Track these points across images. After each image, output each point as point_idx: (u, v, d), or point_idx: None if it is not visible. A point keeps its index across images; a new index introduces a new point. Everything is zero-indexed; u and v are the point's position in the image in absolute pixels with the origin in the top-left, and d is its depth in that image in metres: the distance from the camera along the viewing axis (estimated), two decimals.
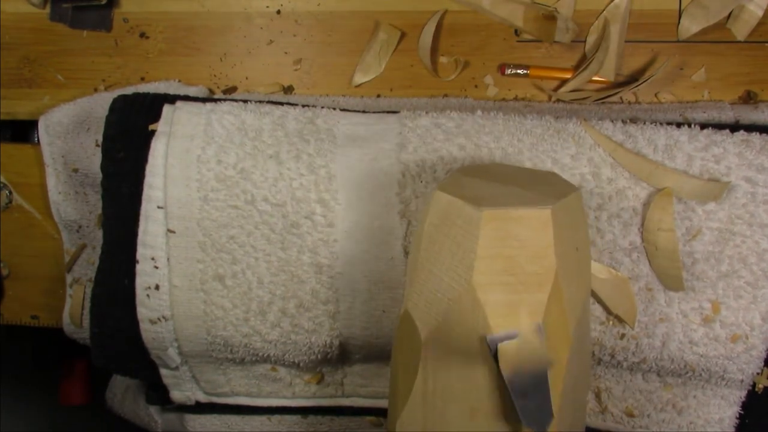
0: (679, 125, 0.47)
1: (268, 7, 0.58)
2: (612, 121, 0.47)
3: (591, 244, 0.46)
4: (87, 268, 0.60)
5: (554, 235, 0.34)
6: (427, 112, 0.49)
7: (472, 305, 0.34)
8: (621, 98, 0.55)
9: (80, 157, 0.57)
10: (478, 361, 0.35)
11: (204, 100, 0.51)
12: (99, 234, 0.57)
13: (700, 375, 0.47)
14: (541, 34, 0.54)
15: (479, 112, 0.48)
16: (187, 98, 0.51)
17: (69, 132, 0.57)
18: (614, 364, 0.48)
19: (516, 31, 0.55)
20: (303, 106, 0.50)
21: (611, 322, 0.47)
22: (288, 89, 0.58)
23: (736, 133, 0.46)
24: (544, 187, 0.37)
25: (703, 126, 0.47)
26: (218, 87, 0.58)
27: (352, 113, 0.50)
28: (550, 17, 0.52)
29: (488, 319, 0.34)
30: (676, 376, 0.49)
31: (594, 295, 0.46)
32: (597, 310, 0.47)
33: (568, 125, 0.47)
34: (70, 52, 0.60)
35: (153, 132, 0.48)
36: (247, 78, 0.58)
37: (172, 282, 0.48)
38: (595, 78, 0.54)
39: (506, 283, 0.34)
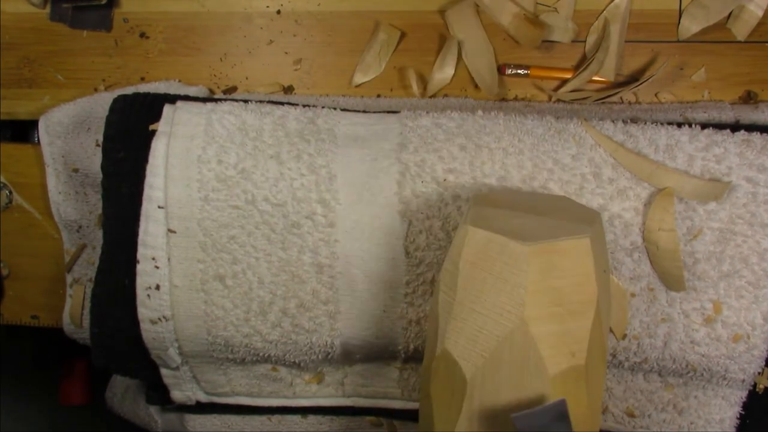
0: (679, 125, 0.47)
1: (268, 7, 0.58)
2: (613, 121, 0.47)
3: None
4: (87, 268, 0.60)
5: (594, 261, 0.35)
6: (427, 112, 0.49)
7: (523, 340, 0.34)
8: (621, 98, 0.55)
9: (80, 157, 0.57)
10: (530, 395, 0.35)
11: (204, 100, 0.51)
12: (99, 234, 0.57)
13: (702, 375, 0.47)
14: (524, 38, 0.54)
15: (480, 112, 0.48)
16: (187, 98, 0.51)
17: (69, 132, 0.57)
18: (615, 364, 0.48)
19: None
20: (303, 106, 0.50)
21: None
22: (288, 89, 0.58)
23: (736, 133, 0.46)
24: (569, 214, 0.38)
25: (704, 126, 0.47)
26: (218, 87, 0.58)
27: (352, 113, 0.50)
28: (536, 22, 0.52)
29: (540, 351, 0.34)
30: (677, 376, 0.49)
31: None
32: None
33: (568, 125, 0.47)
34: (70, 52, 0.59)
35: (153, 132, 0.48)
36: (247, 78, 0.58)
37: (173, 282, 0.48)
38: (596, 78, 0.54)
39: (555, 314, 0.34)
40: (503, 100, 0.56)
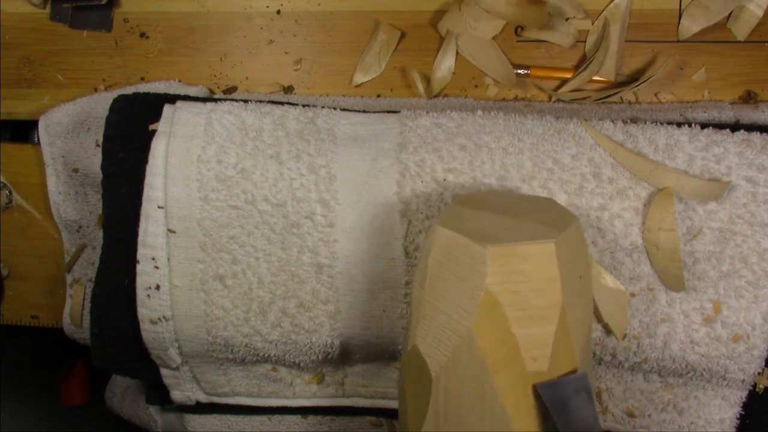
0: (679, 125, 0.47)
1: (268, 7, 0.58)
2: (612, 121, 0.47)
3: (592, 245, 0.46)
4: (87, 268, 0.60)
5: (559, 267, 0.34)
6: (427, 112, 0.49)
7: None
8: (621, 98, 0.55)
9: (80, 157, 0.57)
10: (488, 397, 0.35)
11: (204, 99, 0.51)
12: (99, 234, 0.57)
13: (702, 375, 0.47)
14: (529, 19, 0.53)
15: (480, 112, 0.48)
16: (187, 98, 0.51)
17: (69, 132, 0.57)
18: (615, 364, 0.48)
19: (516, 30, 0.55)
20: (303, 106, 0.50)
21: None
22: (288, 89, 0.58)
23: (736, 133, 0.46)
24: (544, 216, 0.37)
25: (704, 126, 0.47)
26: (218, 87, 0.58)
27: (352, 113, 0.50)
28: (536, 1, 0.51)
29: (485, 360, 0.34)
30: (677, 376, 0.49)
31: None
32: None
33: (568, 125, 0.47)
34: (70, 52, 0.59)
35: (153, 132, 0.48)
36: (247, 78, 0.58)
37: (173, 282, 0.48)
38: (596, 78, 0.54)
39: (515, 318, 0.34)
40: (503, 100, 0.56)
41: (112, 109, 0.50)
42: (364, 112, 0.51)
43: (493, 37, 0.55)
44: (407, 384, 0.40)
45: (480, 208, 0.39)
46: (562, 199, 0.46)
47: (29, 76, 0.60)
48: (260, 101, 0.50)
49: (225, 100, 0.51)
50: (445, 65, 0.55)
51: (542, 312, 0.34)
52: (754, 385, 0.49)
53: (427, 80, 0.56)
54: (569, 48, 0.55)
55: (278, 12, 0.58)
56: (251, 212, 0.47)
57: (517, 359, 0.34)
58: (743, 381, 0.48)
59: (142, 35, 0.59)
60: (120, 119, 0.50)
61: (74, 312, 0.59)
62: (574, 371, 0.35)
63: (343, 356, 0.51)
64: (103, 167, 0.50)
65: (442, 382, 0.37)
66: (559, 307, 0.34)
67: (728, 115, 0.52)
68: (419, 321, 0.37)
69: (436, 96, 0.56)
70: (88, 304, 0.57)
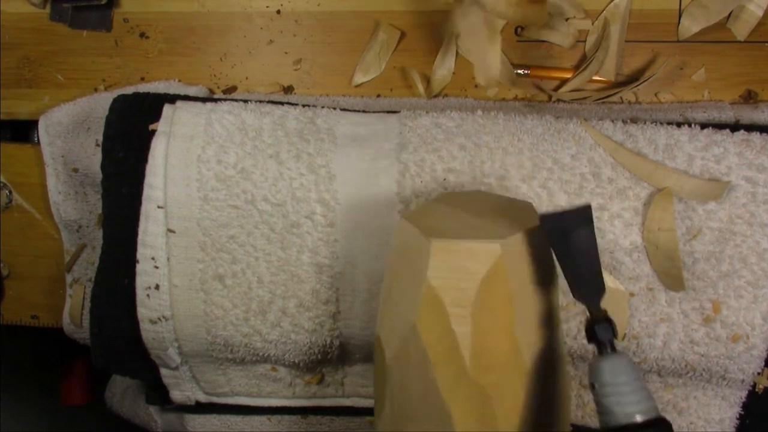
0: (679, 125, 0.47)
1: (268, 7, 0.58)
2: (612, 121, 0.47)
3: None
4: (87, 268, 0.60)
5: (507, 269, 0.34)
6: (427, 112, 0.49)
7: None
8: (621, 98, 0.55)
9: (80, 157, 0.57)
10: (431, 390, 0.35)
11: (204, 99, 0.51)
12: (99, 234, 0.57)
13: (701, 375, 0.47)
14: (529, 18, 0.53)
15: (479, 112, 0.48)
16: (187, 98, 0.51)
17: (69, 132, 0.57)
18: None
19: (516, 30, 0.55)
20: (303, 106, 0.50)
21: None
22: (288, 89, 0.58)
23: (736, 133, 0.46)
24: (509, 219, 0.37)
25: (704, 126, 0.47)
26: (218, 87, 0.58)
27: (352, 113, 0.50)
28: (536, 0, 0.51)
29: (427, 353, 0.34)
30: (676, 376, 0.49)
31: None
32: None
33: (568, 125, 0.47)
34: (70, 52, 0.60)
35: (153, 132, 0.48)
36: (247, 78, 0.58)
37: (172, 282, 0.48)
38: (596, 78, 0.54)
39: (455, 315, 0.34)
40: (503, 100, 0.56)
41: (112, 109, 0.50)
42: (364, 112, 0.51)
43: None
44: (376, 369, 0.40)
45: (452, 205, 0.39)
46: (561, 199, 0.46)
47: (29, 76, 0.60)
48: (260, 101, 0.50)
49: (225, 100, 0.51)
50: (445, 65, 0.55)
51: (483, 312, 0.34)
52: (754, 385, 0.49)
53: (427, 80, 0.56)
54: (569, 48, 0.55)
55: (278, 12, 0.58)
56: (251, 212, 0.47)
57: (456, 356, 0.34)
58: (743, 381, 0.48)
59: (142, 35, 0.59)
60: (120, 119, 0.50)
61: (74, 312, 0.59)
62: (526, 376, 0.35)
63: (343, 356, 0.51)
64: (103, 167, 0.50)
65: (395, 371, 0.37)
66: (503, 308, 0.34)
67: (728, 115, 0.52)
68: (382, 309, 0.38)
69: (436, 96, 0.56)
70: (88, 304, 0.57)
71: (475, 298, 0.34)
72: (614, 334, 0.33)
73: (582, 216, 0.34)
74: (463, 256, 0.34)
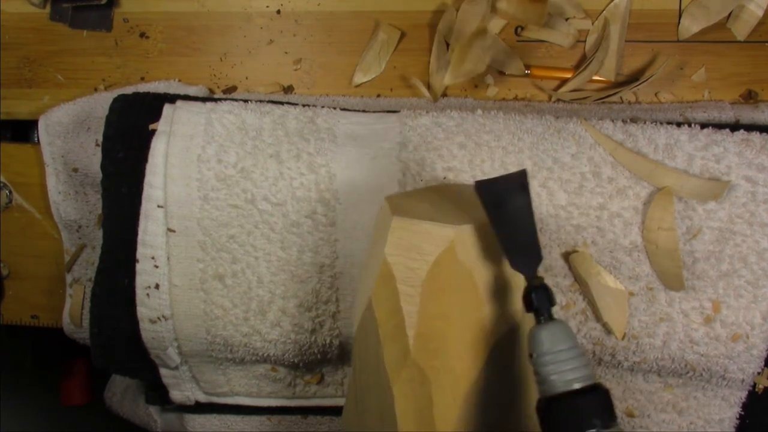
0: (679, 125, 0.47)
1: (268, 7, 0.58)
2: (612, 121, 0.47)
3: (593, 244, 0.46)
4: (87, 268, 0.60)
5: (459, 254, 0.34)
6: (427, 112, 0.49)
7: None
8: (621, 98, 0.55)
9: (80, 157, 0.57)
10: (380, 367, 0.35)
11: (204, 99, 0.51)
12: (99, 234, 0.57)
13: (701, 375, 0.47)
14: (530, 17, 0.53)
15: (479, 112, 0.49)
16: (187, 98, 0.51)
17: (69, 132, 0.57)
18: (614, 364, 0.48)
19: (516, 30, 0.55)
20: (303, 105, 0.50)
21: None
22: (288, 89, 0.58)
23: (736, 133, 0.46)
24: (478, 211, 0.37)
25: (704, 125, 0.47)
26: (218, 87, 0.59)
27: (352, 113, 0.50)
28: None
29: (378, 328, 0.35)
30: (676, 376, 0.49)
31: (589, 297, 0.46)
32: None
33: (568, 124, 0.47)
34: (70, 52, 0.60)
35: (153, 131, 0.48)
36: (247, 78, 0.58)
37: (172, 281, 0.48)
38: (596, 78, 0.54)
39: (405, 294, 0.34)
40: (503, 99, 0.56)
41: (112, 108, 0.50)
42: (364, 111, 0.51)
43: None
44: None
45: (436, 192, 0.39)
46: (561, 198, 0.46)
47: (29, 76, 0.60)
48: (260, 101, 0.50)
49: (225, 99, 0.51)
50: (440, 67, 0.55)
51: (432, 295, 0.34)
52: (754, 385, 0.49)
53: (427, 84, 0.56)
54: (569, 48, 0.55)
55: (278, 12, 0.58)
56: (251, 211, 0.47)
57: (402, 335, 0.34)
58: (743, 381, 0.48)
59: (142, 35, 0.59)
60: (120, 119, 0.50)
61: (74, 312, 0.59)
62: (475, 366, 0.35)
63: (343, 356, 0.51)
64: (103, 167, 0.50)
65: (357, 344, 0.37)
66: (451, 294, 0.34)
67: (728, 115, 0.52)
68: (359, 285, 0.39)
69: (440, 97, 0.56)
70: (87, 304, 0.57)
71: (425, 278, 0.34)
72: (551, 301, 0.33)
73: (517, 182, 0.34)
74: (418, 237, 0.34)
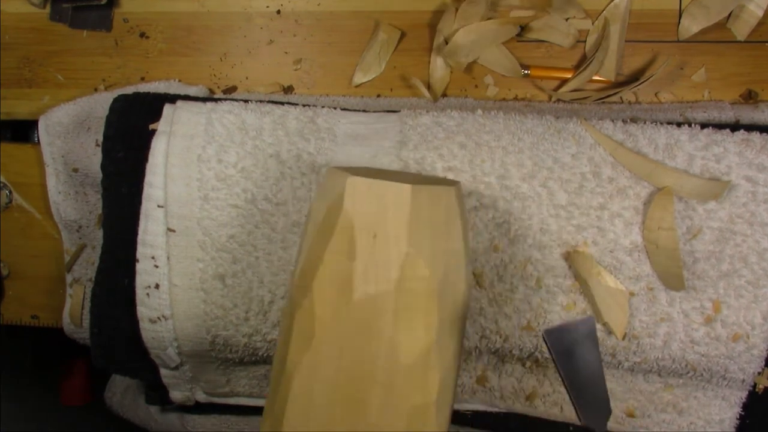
0: (679, 125, 0.47)
1: (268, 7, 0.58)
2: (612, 121, 0.47)
3: (593, 244, 0.46)
4: (87, 268, 0.60)
5: (346, 205, 0.35)
6: (427, 111, 0.49)
7: None
8: (621, 98, 0.55)
9: (80, 157, 0.57)
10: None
11: (204, 99, 0.51)
12: (99, 234, 0.57)
13: (702, 375, 0.47)
14: (535, 3, 0.53)
15: (480, 111, 0.48)
16: (187, 98, 0.51)
17: (69, 132, 0.57)
18: (615, 364, 0.48)
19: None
20: (303, 105, 0.50)
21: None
22: (288, 89, 0.58)
23: (736, 133, 0.46)
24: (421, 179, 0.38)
25: (704, 125, 0.47)
26: (218, 87, 0.59)
27: (352, 112, 0.50)
28: None
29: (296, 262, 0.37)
30: (677, 376, 0.49)
31: (589, 297, 0.46)
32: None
33: (568, 125, 0.47)
34: (70, 52, 0.60)
35: (153, 131, 0.48)
36: (247, 78, 0.58)
37: (172, 281, 0.48)
38: (596, 78, 0.54)
39: (307, 233, 0.37)
40: (503, 99, 0.56)
41: (112, 108, 0.50)
42: (364, 111, 0.51)
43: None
44: None
45: (409, 175, 0.41)
46: (562, 198, 0.46)
47: (29, 76, 0.60)
48: (260, 101, 0.50)
49: (225, 99, 0.51)
50: (439, 67, 0.55)
51: (319, 236, 0.36)
52: (754, 386, 0.49)
53: (427, 84, 0.56)
54: (569, 48, 0.55)
55: (278, 12, 0.58)
56: (251, 211, 0.47)
57: (294, 268, 0.37)
58: (743, 381, 0.48)
59: (142, 35, 0.59)
60: (120, 119, 0.50)
61: (74, 312, 0.59)
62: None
63: None
64: (103, 167, 0.50)
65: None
66: (328, 240, 0.35)
67: (728, 115, 0.52)
68: None
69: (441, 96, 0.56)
70: (88, 304, 0.57)
71: (320, 221, 0.36)
72: None
73: (585, 329, 0.33)
74: (332, 182, 0.36)
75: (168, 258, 0.48)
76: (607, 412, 0.33)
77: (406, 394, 0.35)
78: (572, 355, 0.33)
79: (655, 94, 0.55)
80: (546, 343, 0.33)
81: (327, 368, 0.35)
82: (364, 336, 0.35)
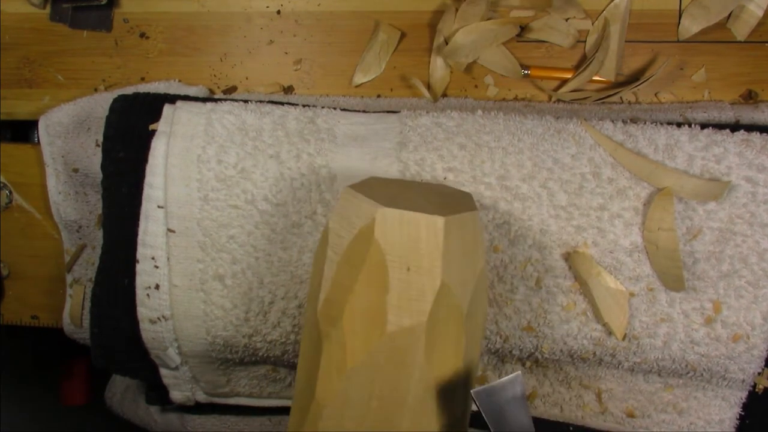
0: (679, 125, 0.47)
1: (268, 7, 0.58)
2: (612, 121, 0.47)
3: (593, 245, 0.46)
4: (87, 268, 0.60)
5: (378, 236, 0.34)
6: (427, 112, 0.49)
7: None
8: (621, 98, 0.55)
9: (80, 157, 0.57)
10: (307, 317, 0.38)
11: (204, 99, 0.51)
12: (99, 234, 0.57)
13: (702, 375, 0.47)
14: (536, 2, 0.53)
15: (480, 112, 0.48)
16: (187, 98, 0.51)
17: (69, 132, 0.57)
18: (615, 364, 0.48)
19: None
20: (303, 106, 0.50)
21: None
22: (288, 89, 0.58)
23: (736, 133, 0.46)
24: (434, 205, 0.37)
25: (704, 126, 0.47)
26: (218, 87, 0.58)
27: (352, 113, 0.50)
28: None
29: (310, 285, 0.38)
30: (677, 376, 0.49)
31: (590, 298, 0.46)
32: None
33: (568, 125, 0.47)
34: (70, 52, 0.60)
35: (153, 132, 0.48)
36: (247, 78, 0.58)
37: (172, 281, 0.48)
38: (596, 78, 0.54)
39: (328, 258, 0.37)
40: (503, 100, 0.56)
41: (112, 109, 0.50)
42: (364, 111, 0.51)
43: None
44: None
45: (420, 188, 0.40)
46: (562, 199, 0.46)
47: (29, 76, 0.60)
48: (260, 101, 0.50)
49: (225, 100, 0.51)
50: (440, 66, 0.55)
51: (344, 266, 0.36)
52: (754, 386, 0.49)
53: (427, 84, 0.56)
54: (569, 48, 0.55)
55: (278, 12, 0.58)
56: (251, 212, 0.47)
57: (318, 295, 0.37)
58: (743, 381, 0.48)
59: (142, 35, 0.59)
60: (120, 119, 0.50)
61: (74, 312, 0.59)
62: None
63: None
64: (103, 167, 0.50)
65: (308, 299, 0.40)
66: (358, 270, 0.35)
67: (728, 115, 0.52)
68: None
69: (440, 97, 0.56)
70: (88, 304, 0.57)
71: (345, 248, 0.35)
72: None
73: (512, 387, 0.34)
74: (353, 208, 0.36)
75: (168, 258, 0.48)
76: None
77: (437, 416, 0.36)
78: (503, 414, 0.33)
79: (655, 95, 0.55)
80: (475, 403, 0.33)
81: (358, 396, 0.35)
82: (396, 364, 0.35)
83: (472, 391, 0.33)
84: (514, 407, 0.33)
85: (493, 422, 0.33)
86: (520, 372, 0.34)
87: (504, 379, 0.33)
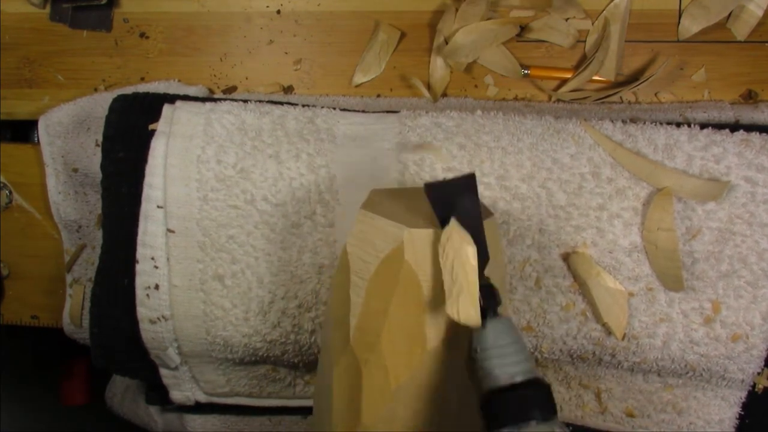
0: (679, 125, 0.47)
1: (268, 7, 0.58)
2: (612, 121, 0.47)
3: (592, 245, 0.46)
4: (87, 268, 0.60)
5: (408, 257, 0.34)
6: (427, 112, 0.49)
7: None
8: (621, 98, 0.55)
9: (80, 157, 0.57)
10: (331, 347, 0.37)
11: (204, 99, 0.51)
12: (99, 234, 0.57)
13: (701, 375, 0.47)
14: (536, 2, 0.53)
15: (479, 112, 0.48)
16: (187, 98, 0.51)
17: (69, 132, 0.57)
18: (615, 364, 0.48)
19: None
20: (303, 105, 0.50)
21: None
22: (288, 89, 0.58)
23: (735, 133, 0.46)
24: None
25: (703, 126, 0.47)
26: (218, 87, 0.59)
27: (351, 113, 0.50)
28: None
29: (331, 312, 0.37)
30: (676, 376, 0.49)
31: (589, 298, 0.46)
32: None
33: (568, 125, 0.47)
34: (70, 52, 0.60)
35: (153, 132, 0.48)
36: (247, 78, 0.58)
37: (172, 282, 0.48)
38: (595, 78, 0.54)
39: (354, 284, 0.36)
40: (503, 100, 0.56)
41: (111, 109, 0.50)
42: (363, 111, 0.51)
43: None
44: None
45: (416, 194, 0.40)
46: (561, 199, 0.46)
47: (29, 76, 0.60)
48: (260, 101, 0.50)
49: (224, 100, 0.51)
50: (439, 66, 0.55)
51: (375, 291, 0.35)
52: (754, 386, 0.49)
53: (427, 84, 0.56)
54: (569, 48, 0.55)
55: (278, 12, 0.58)
56: (251, 212, 0.47)
57: (347, 322, 0.36)
58: (742, 381, 0.48)
59: (142, 35, 0.59)
60: (120, 119, 0.50)
61: (74, 312, 0.59)
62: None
63: None
64: (103, 167, 0.50)
65: (325, 325, 0.38)
66: (391, 294, 0.35)
67: (728, 115, 0.52)
68: None
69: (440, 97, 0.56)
70: (87, 304, 0.57)
71: (373, 273, 0.35)
72: (497, 299, 0.33)
73: (465, 184, 0.34)
74: (375, 232, 0.35)
75: (168, 259, 0.48)
76: (485, 259, 0.34)
77: (476, 424, 0.36)
78: (452, 208, 0.33)
79: (655, 94, 0.55)
80: (427, 195, 0.34)
81: (406, 414, 0.35)
82: (439, 378, 0.35)
83: (424, 183, 0.34)
84: (464, 202, 0.33)
85: (439, 212, 0.33)
86: (474, 172, 0.34)
87: (459, 175, 0.34)
